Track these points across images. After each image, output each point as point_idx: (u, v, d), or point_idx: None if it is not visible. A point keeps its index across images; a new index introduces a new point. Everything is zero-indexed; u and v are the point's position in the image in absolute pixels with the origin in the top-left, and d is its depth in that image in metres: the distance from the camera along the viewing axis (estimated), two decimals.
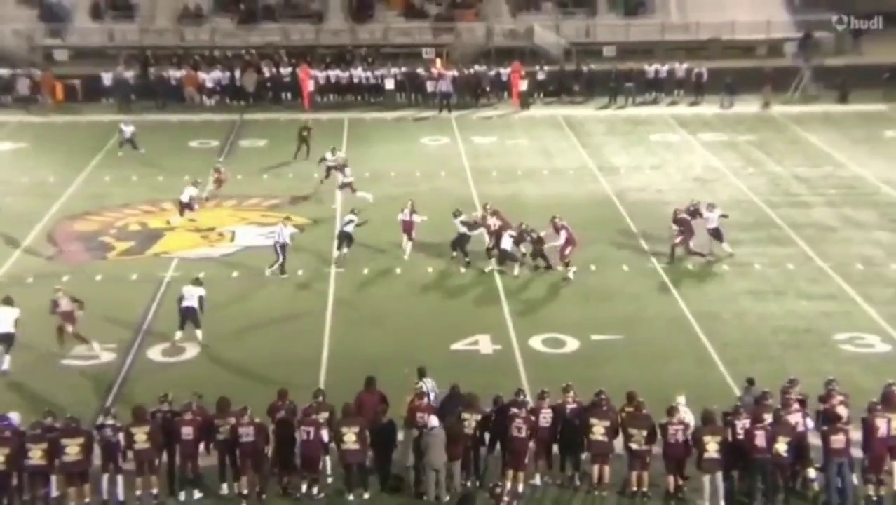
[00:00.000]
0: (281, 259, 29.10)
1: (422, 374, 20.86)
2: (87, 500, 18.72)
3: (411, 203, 30.70)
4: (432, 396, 20.27)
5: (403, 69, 50.45)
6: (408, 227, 30.37)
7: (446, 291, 28.47)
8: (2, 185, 36.68)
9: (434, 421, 18.87)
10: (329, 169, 35.91)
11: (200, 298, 24.99)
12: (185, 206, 33.01)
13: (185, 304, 24.92)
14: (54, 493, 18.76)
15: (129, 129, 40.61)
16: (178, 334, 24.91)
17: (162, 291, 28.24)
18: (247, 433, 18.85)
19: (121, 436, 18.83)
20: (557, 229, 29.09)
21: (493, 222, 29.79)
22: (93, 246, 31.63)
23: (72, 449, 18.45)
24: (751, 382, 20.60)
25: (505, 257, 29.26)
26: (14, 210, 34.12)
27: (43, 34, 54.30)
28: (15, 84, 48.71)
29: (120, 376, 23.53)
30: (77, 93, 49.20)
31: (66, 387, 22.75)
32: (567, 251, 28.91)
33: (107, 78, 49.30)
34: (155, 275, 29.27)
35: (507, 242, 29.16)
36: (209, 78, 49.82)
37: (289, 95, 49.65)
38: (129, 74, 49.53)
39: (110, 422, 19.05)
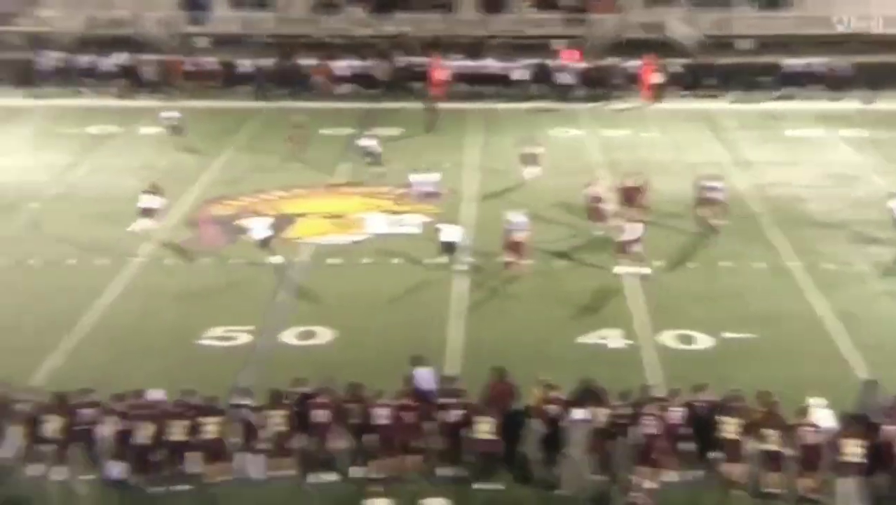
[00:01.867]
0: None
1: (415, 363, 20.93)
2: (225, 477, 19.20)
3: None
4: (428, 383, 20.38)
5: (535, 60, 50.32)
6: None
7: (575, 283, 28.35)
8: (144, 169, 37.75)
9: (578, 414, 18.83)
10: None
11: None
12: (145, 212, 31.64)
13: None
14: (194, 469, 19.30)
15: (172, 116, 41.20)
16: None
17: (296, 276, 28.74)
18: (380, 417, 19.08)
19: (256, 417, 19.27)
20: (634, 221, 28.74)
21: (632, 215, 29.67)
22: (229, 230, 32.34)
23: (210, 427, 18.94)
24: (871, 383, 20.05)
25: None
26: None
27: (184, 22, 55.72)
28: (143, 70, 50.06)
29: (255, 358, 24.08)
30: (214, 79, 50.34)
31: (204, 365, 23.36)
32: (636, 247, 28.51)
33: (243, 65, 50.33)
34: (288, 259, 29.80)
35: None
36: (342, 67, 50.45)
37: (420, 85, 49.95)
38: (265, 62, 50.46)
39: (247, 402, 19.52)
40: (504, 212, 30.15)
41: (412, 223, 32.86)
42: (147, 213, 31.18)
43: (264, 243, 29.84)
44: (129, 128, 43.12)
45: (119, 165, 38.47)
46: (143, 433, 18.86)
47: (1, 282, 28.13)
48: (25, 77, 48.84)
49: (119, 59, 50.20)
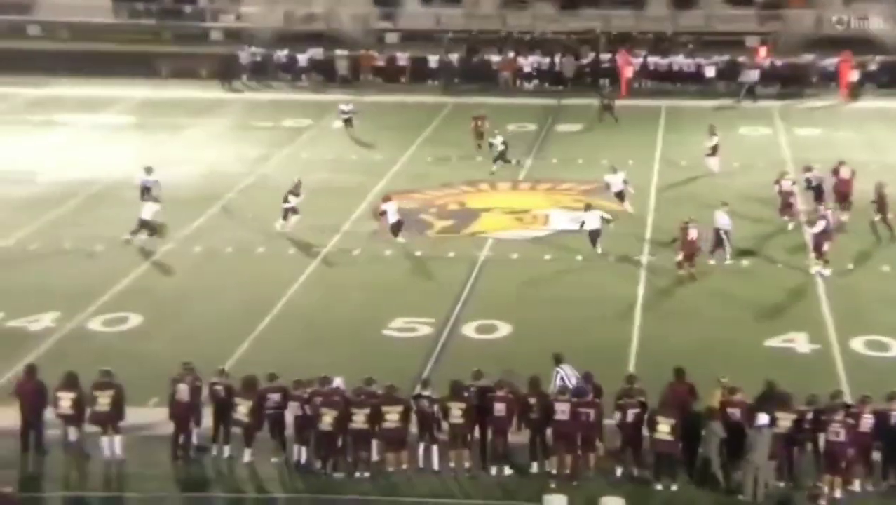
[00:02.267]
0: (727, 245, 28.75)
1: (558, 360, 20.63)
2: (404, 466, 19.55)
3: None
4: (573, 381, 20.03)
5: (725, 57, 49.28)
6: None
7: (762, 284, 27.70)
8: (334, 162, 38.73)
9: (763, 419, 18.43)
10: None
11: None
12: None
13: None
14: (375, 456, 19.70)
15: (347, 108, 41.88)
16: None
17: (477, 270, 29.01)
18: (561, 411, 19.08)
19: (437, 408, 19.54)
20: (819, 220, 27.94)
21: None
22: (413, 223, 32.85)
23: (392, 416, 19.31)
24: None
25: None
26: (344, 186, 35.95)
27: (376, 18, 56.88)
28: (336, 65, 51.20)
29: (436, 350, 24.41)
30: (403, 74, 51.19)
31: (386, 355, 23.82)
32: (825, 246, 27.49)
33: (433, 60, 51.01)
34: (470, 254, 30.09)
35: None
36: (528, 63, 50.57)
37: (606, 81, 49.63)
38: (454, 57, 51.01)
39: (427, 393, 19.82)
40: (679, 208, 29.82)
41: (594, 220, 32.59)
42: (292, 211, 31.34)
43: (395, 228, 30.20)
44: (320, 121, 44.26)
45: (310, 158, 39.55)
46: (326, 420, 19.34)
47: (197, 269, 29.29)
48: (226, 71, 50.68)
49: (313, 54, 51.58)
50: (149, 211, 30.36)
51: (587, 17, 55.56)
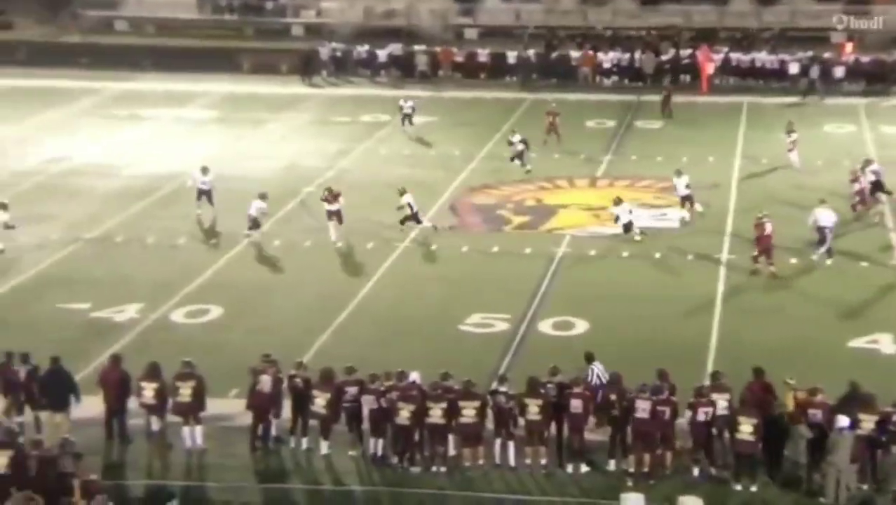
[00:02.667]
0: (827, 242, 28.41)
1: (589, 359, 20.62)
2: (480, 461, 19.57)
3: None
4: (603, 379, 20.04)
5: (810, 53, 48.53)
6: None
7: (846, 283, 27.28)
8: (411, 157, 38.91)
9: (844, 421, 18.17)
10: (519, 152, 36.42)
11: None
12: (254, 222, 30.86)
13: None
14: (451, 451, 19.76)
15: (407, 105, 41.58)
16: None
17: (554, 267, 28.95)
18: (642, 409, 18.99)
19: (513, 404, 19.54)
20: None
21: None
22: (490, 218, 32.87)
23: (468, 411, 19.35)
24: None
25: None
26: (421, 181, 36.07)
27: (456, 13, 56.98)
28: (416, 60, 51.36)
29: (513, 346, 24.41)
30: (482, 70, 51.22)
31: (463, 351, 23.87)
32: None
33: (511, 56, 50.96)
34: (547, 250, 30.03)
35: None
36: (608, 59, 50.29)
37: (687, 78, 49.17)
38: (532, 53, 50.91)
39: (503, 389, 19.82)
40: (760, 206, 29.46)
41: (673, 217, 32.45)
42: (332, 215, 30.61)
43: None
44: (398, 116, 44.38)
45: (388, 153, 39.77)
46: (403, 414, 19.45)
47: (276, 262, 29.60)
48: (306, 67, 51.15)
49: (392, 49, 51.82)
50: (255, 208, 30.45)
51: (668, 12, 55.17)
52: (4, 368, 20.59)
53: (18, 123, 42.93)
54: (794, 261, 28.50)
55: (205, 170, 32.59)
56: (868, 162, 32.61)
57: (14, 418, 20.21)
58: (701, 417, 18.98)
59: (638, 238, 30.12)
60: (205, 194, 32.25)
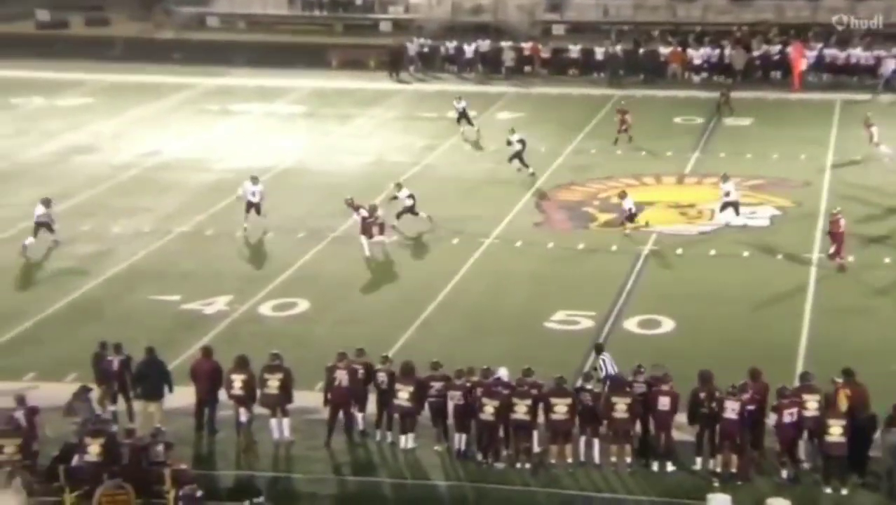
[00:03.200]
0: None
1: (599, 350, 20.92)
2: (569, 459, 19.51)
3: None
4: (614, 370, 20.21)
5: None
6: None
7: None
8: (497, 153, 38.86)
9: None
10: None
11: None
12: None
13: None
14: (536, 448, 19.77)
15: (460, 105, 41.02)
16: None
17: (640, 264, 28.78)
18: (731, 409, 18.80)
19: (599, 402, 19.47)
20: None
21: None
22: (576, 215, 32.75)
23: (560, 408, 19.30)
24: None
25: None
26: (507, 177, 36.10)
27: (543, 9, 56.84)
28: (503, 56, 51.32)
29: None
30: (570, 66, 51.05)
31: (547, 348, 23.84)
32: None
33: (599, 52, 50.70)
34: (633, 247, 29.85)
35: None
36: (697, 55, 49.74)
37: (778, 74, 48.45)
38: (620, 49, 50.58)
39: (589, 387, 19.77)
40: (851, 204, 28.98)
41: (763, 215, 32.04)
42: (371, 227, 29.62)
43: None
44: (485, 112, 44.48)
45: (472, 149, 39.80)
46: (488, 410, 19.47)
47: (358, 257, 29.78)
48: (394, 62, 51.42)
49: (480, 45, 51.90)
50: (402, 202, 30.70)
51: (760, 7, 54.41)
52: (99, 358, 21.08)
53: (114, 118, 43.84)
54: (887, 260, 27.97)
55: (255, 179, 31.67)
56: None
57: (108, 407, 20.67)
58: (787, 418, 18.73)
59: (628, 232, 30.26)
60: (253, 207, 31.04)
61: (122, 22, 58.87)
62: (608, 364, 20.57)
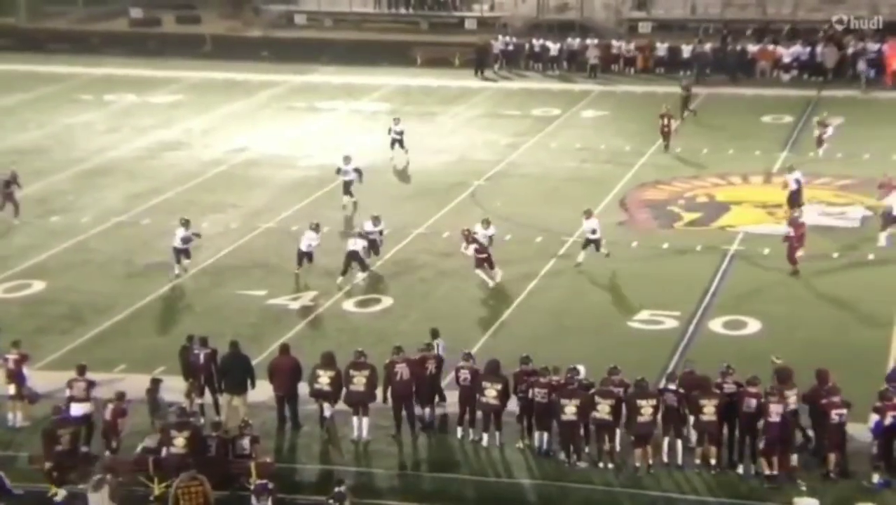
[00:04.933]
0: None
1: (434, 335, 21.34)
2: (650, 460, 19.41)
3: None
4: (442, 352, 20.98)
5: None
6: None
7: None
8: (582, 151, 38.79)
9: None
10: None
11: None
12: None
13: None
14: (618, 448, 19.70)
15: (398, 127, 38.02)
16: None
17: (725, 265, 28.49)
18: (776, 413, 18.60)
19: (684, 403, 19.32)
20: None
21: None
22: (661, 215, 32.49)
23: (646, 410, 19.20)
24: None
25: None
26: (591, 176, 35.97)
27: (630, 7, 56.42)
28: (587, 53, 51.05)
29: (682, 344, 24.12)
30: (656, 64, 50.63)
31: (631, 347, 23.69)
32: None
33: (686, 50, 50.19)
34: (719, 247, 29.54)
35: None
36: (787, 53, 48.99)
37: (871, 72, 47.51)
38: (708, 47, 50.02)
39: (673, 387, 19.61)
40: None
41: (853, 216, 31.49)
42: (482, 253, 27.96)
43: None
44: (570, 111, 44.35)
45: (559, 147, 39.72)
46: (570, 409, 19.40)
47: (445, 254, 29.86)
48: (479, 60, 51.45)
49: (565, 43, 51.70)
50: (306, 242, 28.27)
51: (853, 4, 53.30)
52: (186, 351, 21.45)
53: (203, 115, 44.52)
54: None
55: (347, 159, 33.09)
56: None
57: (195, 400, 21.03)
58: (889, 420, 18.38)
59: (605, 252, 28.41)
60: (349, 185, 32.84)
61: (212, 20, 59.75)
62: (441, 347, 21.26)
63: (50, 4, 60.94)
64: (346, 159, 33.05)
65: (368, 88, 48.84)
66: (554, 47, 51.62)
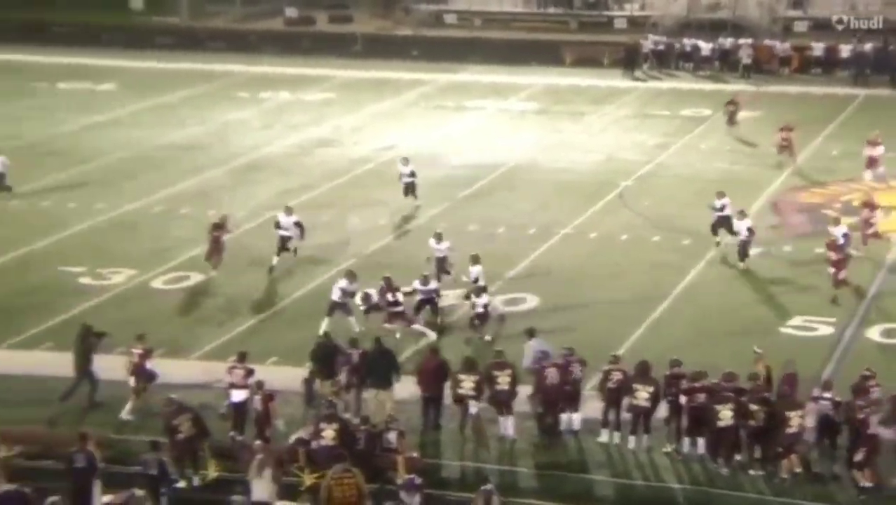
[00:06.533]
0: None
1: (530, 334, 21.11)
2: (796, 470, 18.91)
3: None
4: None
5: None
6: None
7: None
8: (732, 153, 38.15)
9: None
10: None
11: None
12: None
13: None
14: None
15: (406, 170, 34.41)
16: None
17: (885, 272, 27.81)
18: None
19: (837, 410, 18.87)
20: None
21: None
22: (816, 218, 31.67)
23: (794, 421, 18.83)
24: None
25: None
26: (742, 178, 35.27)
27: (785, 6, 55.15)
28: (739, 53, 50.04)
29: (837, 351, 23.57)
30: (811, 64, 49.42)
31: (784, 353, 22.84)
32: None
33: (845, 50, 48.82)
34: (878, 253, 28.79)
35: None
36: None
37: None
38: (868, 47, 48.52)
39: (828, 395, 19.18)
40: None
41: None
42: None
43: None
44: (720, 112, 43.55)
45: (709, 148, 39.10)
46: (724, 415, 19.06)
47: (592, 254, 29.71)
48: (628, 59, 50.99)
49: (717, 42, 50.85)
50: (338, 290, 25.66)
51: None
52: (333, 351, 21.72)
53: (355, 112, 45.16)
54: None
55: (405, 160, 33.09)
56: None
57: (343, 397, 21.30)
58: None
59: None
60: (410, 188, 32.65)
61: (363, 19, 60.63)
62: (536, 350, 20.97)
63: (210, 4, 62.72)
64: (405, 161, 33.05)
65: (516, 88, 48.87)
66: (706, 47, 50.84)
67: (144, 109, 45.26)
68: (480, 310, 24.74)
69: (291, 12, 60.25)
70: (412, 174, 32.95)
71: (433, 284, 25.48)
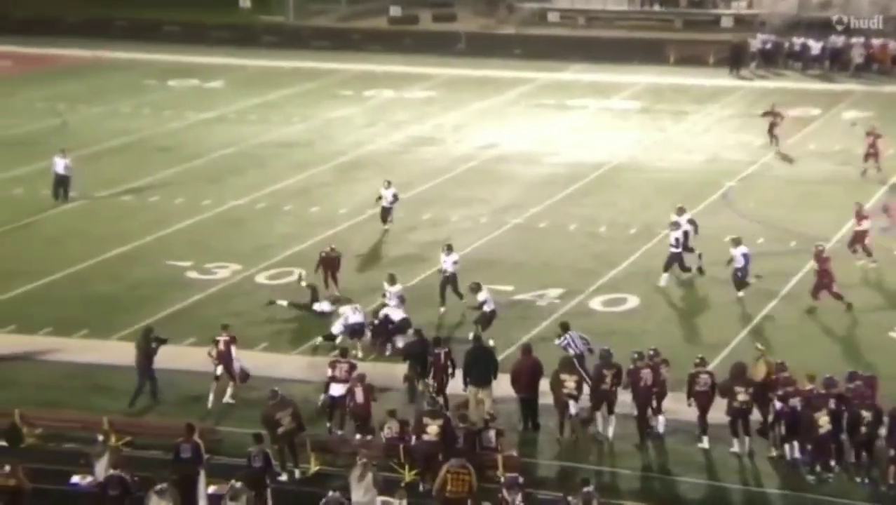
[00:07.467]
0: None
1: (565, 328, 21.33)
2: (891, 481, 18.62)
3: None
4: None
5: None
6: None
7: None
8: (841, 153, 37.38)
9: None
10: None
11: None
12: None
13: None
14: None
15: (389, 193, 32.33)
16: None
17: None
18: None
19: None
20: None
21: None
22: None
23: (822, 420, 18.71)
24: None
25: None
26: (851, 179, 34.55)
27: None
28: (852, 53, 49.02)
29: None
30: None
31: (891, 359, 22.69)
32: None
33: None
34: None
35: None
36: None
37: None
38: None
39: None
40: None
41: None
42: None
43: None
44: (830, 111, 42.80)
45: (817, 149, 38.39)
46: (822, 421, 18.78)
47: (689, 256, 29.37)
48: (735, 58, 50.26)
49: (828, 41, 49.87)
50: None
51: None
52: (427, 346, 21.84)
53: (456, 111, 45.32)
54: None
55: (388, 183, 31.40)
56: None
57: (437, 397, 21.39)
58: None
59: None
60: (386, 213, 31.20)
61: (467, 18, 60.78)
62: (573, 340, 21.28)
63: (315, 3, 63.49)
64: (387, 184, 31.45)
65: (619, 87, 48.54)
66: (815, 46, 49.88)
67: (250, 107, 46.02)
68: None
69: (395, 11, 60.66)
70: (395, 198, 31.15)
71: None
